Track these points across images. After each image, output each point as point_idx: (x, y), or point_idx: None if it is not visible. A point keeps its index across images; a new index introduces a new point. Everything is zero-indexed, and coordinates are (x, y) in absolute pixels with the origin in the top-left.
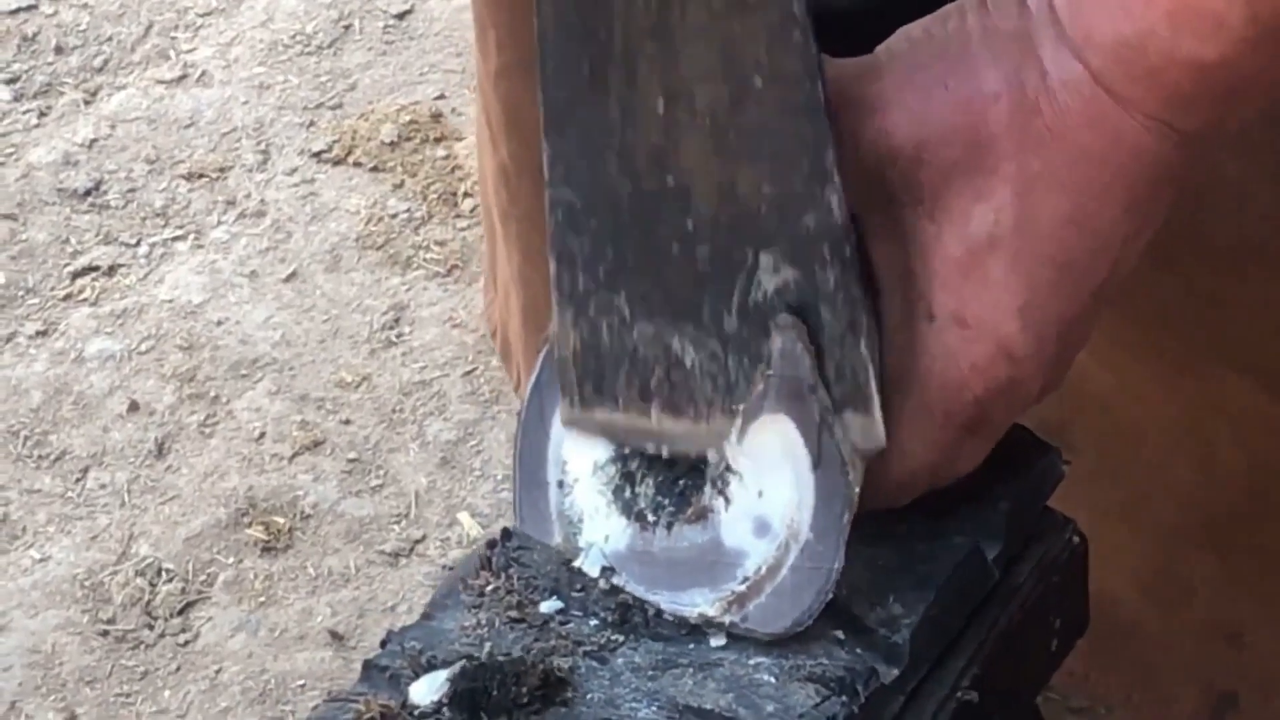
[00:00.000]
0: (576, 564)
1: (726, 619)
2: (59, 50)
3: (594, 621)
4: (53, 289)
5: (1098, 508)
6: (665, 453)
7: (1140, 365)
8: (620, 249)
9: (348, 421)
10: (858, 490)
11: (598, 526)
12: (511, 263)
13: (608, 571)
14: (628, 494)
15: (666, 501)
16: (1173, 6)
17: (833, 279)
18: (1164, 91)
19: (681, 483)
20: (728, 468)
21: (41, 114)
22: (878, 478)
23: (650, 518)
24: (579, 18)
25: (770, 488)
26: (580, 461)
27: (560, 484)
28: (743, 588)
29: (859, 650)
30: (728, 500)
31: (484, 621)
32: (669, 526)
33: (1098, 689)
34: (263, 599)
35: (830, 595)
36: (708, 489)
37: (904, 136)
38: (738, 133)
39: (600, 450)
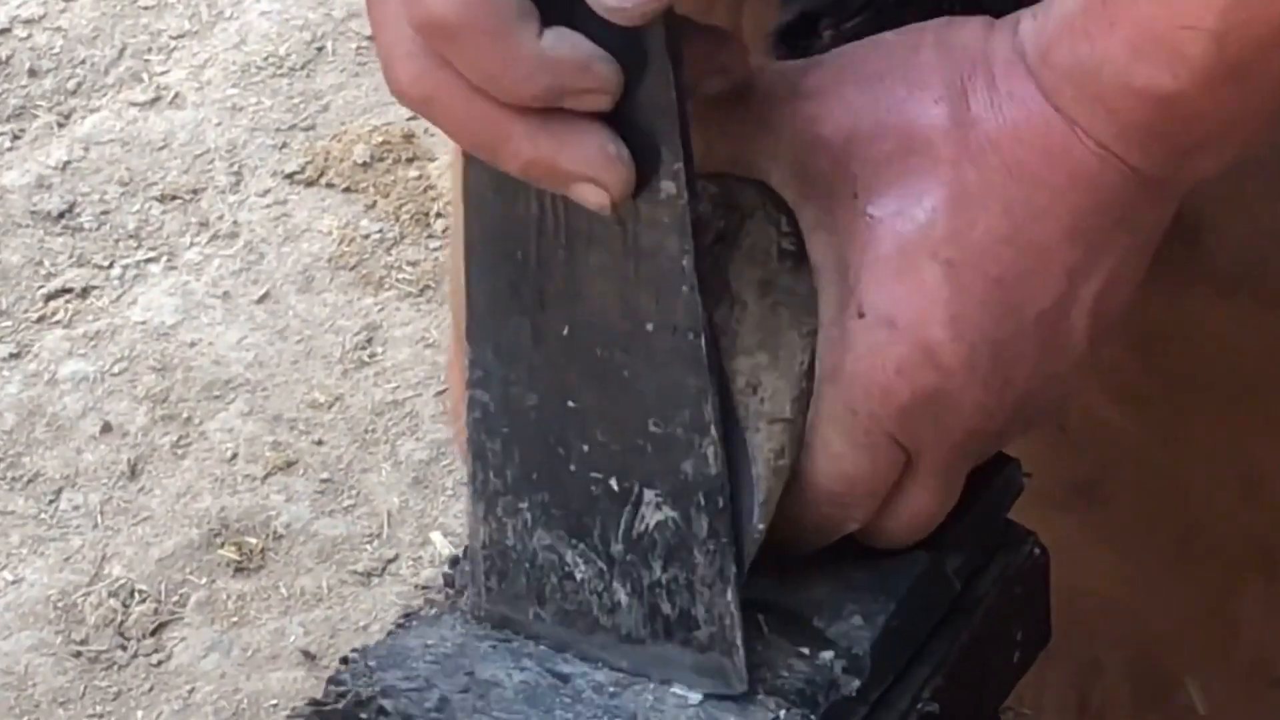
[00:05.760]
0: None
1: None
2: (32, 73)
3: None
4: (26, 311)
5: (1142, 556)
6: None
7: (1171, 412)
8: (526, 458)
9: (320, 442)
10: (766, 472)
11: None
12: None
13: None
14: None
15: None
16: (1134, 33)
17: (706, 526)
18: (1116, 120)
19: None
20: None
21: (15, 137)
22: (805, 478)
23: None
24: (501, 238)
25: None
26: None
27: None
28: None
29: (820, 662)
30: None
31: (445, 637)
32: None
33: None
34: (235, 619)
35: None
36: None
37: (833, 125)
38: (630, 371)
39: None
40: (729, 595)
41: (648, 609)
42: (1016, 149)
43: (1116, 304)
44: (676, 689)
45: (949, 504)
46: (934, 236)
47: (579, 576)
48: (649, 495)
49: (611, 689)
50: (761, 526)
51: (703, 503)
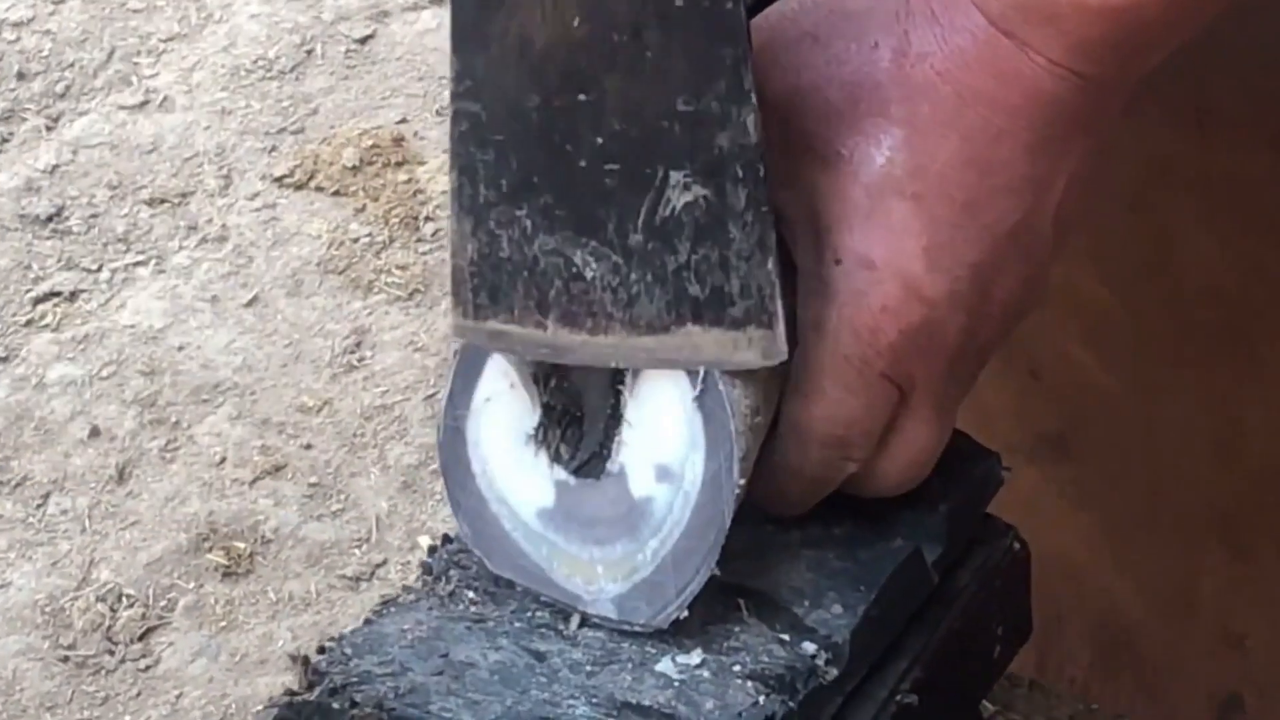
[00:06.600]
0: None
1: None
2: (21, 76)
3: (528, 616)
4: (14, 315)
5: (1109, 513)
6: (561, 360)
7: (1149, 359)
8: (525, 162)
9: (309, 446)
10: (743, 428)
11: (526, 493)
12: None
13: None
14: (546, 461)
15: (582, 459)
16: None
17: (744, 197)
18: (1068, 38)
19: (591, 441)
20: (624, 418)
21: (3, 140)
22: (803, 427)
23: (570, 481)
24: None
25: (664, 432)
26: (497, 439)
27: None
28: (656, 542)
29: (799, 649)
30: (630, 450)
31: (421, 621)
32: (587, 485)
33: (1101, 697)
34: (223, 624)
35: (721, 544)
36: (613, 443)
37: (775, 89)
38: (655, 52)
39: (519, 420)
40: (769, 265)
41: (672, 295)
42: (967, 76)
43: (1079, 201)
44: (656, 667)
45: (944, 438)
46: (896, 174)
47: (590, 275)
48: (675, 177)
49: (589, 667)
50: (741, 482)
51: (740, 174)
